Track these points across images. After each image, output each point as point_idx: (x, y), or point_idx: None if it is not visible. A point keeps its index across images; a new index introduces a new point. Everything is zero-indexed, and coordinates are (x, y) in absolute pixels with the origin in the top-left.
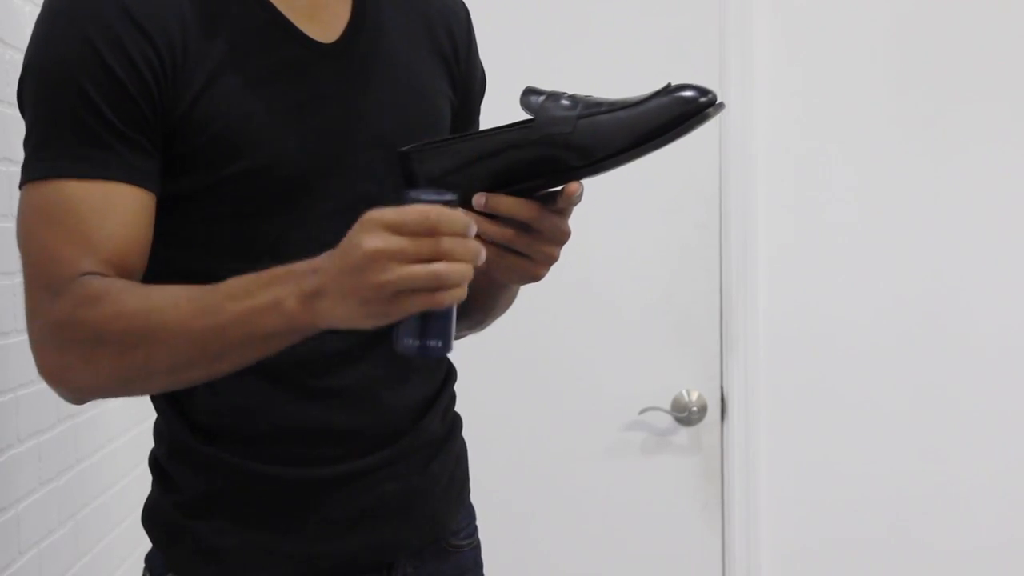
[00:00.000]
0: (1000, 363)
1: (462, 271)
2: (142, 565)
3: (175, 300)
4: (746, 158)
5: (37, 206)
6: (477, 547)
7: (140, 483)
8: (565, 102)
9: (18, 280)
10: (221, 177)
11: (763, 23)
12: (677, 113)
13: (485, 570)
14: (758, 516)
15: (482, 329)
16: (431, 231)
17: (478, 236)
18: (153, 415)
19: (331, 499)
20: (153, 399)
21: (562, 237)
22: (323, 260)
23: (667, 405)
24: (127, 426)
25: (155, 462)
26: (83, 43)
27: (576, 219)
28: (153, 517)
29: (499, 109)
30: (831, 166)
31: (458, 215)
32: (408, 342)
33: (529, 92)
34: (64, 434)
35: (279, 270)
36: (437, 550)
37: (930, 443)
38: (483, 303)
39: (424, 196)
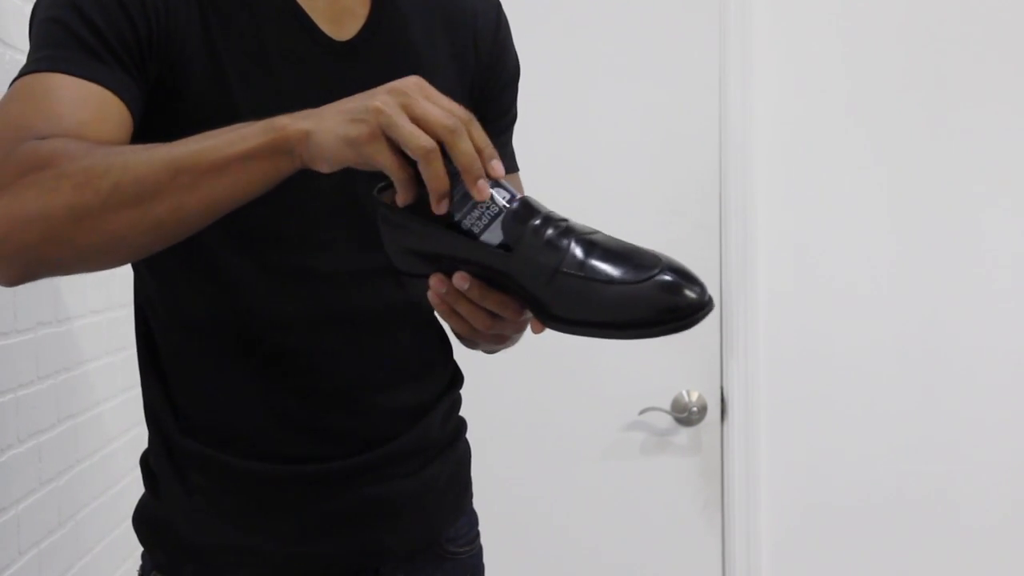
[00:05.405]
0: (999, 364)
1: (436, 167)
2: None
3: (150, 144)
4: (746, 158)
5: (17, 90)
6: (477, 553)
7: (140, 483)
8: (551, 242)
9: None
10: None
11: (763, 22)
12: (663, 308)
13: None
14: (758, 516)
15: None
16: (449, 120)
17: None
18: None
19: (312, 499)
20: (144, 392)
21: (524, 328)
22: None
23: (667, 405)
24: (127, 426)
25: (144, 462)
26: None
27: (577, 218)
28: (140, 517)
29: None
30: (831, 166)
31: (481, 134)
32: None
33: (524, 207)
34: (64, 434)
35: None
36: (432, 556)
37: (930, 442)
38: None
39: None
